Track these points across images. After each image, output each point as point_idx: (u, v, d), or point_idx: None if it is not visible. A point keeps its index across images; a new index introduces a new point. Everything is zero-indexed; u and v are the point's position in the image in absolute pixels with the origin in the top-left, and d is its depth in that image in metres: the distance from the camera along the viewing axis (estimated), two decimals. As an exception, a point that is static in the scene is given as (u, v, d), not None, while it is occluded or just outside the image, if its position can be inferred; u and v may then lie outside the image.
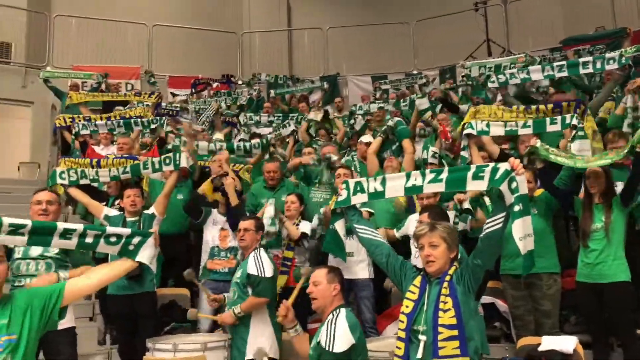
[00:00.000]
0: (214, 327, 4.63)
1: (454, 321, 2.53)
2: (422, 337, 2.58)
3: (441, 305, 2.58)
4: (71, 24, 11.73)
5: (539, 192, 4.37)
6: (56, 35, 11.47)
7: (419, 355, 2.56)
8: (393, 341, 3.61)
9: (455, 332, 2.51)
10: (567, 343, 3.51)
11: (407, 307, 2.70)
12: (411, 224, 4.61)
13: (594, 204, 3.85)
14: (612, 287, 3.69)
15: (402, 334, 2.67)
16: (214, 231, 4.90)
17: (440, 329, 2.53)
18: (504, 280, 4.16)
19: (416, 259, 4.41)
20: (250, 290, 3.80)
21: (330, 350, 2.82)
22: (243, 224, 4.01)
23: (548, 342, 3.56)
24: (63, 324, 3.47)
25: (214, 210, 4.98)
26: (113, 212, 4.68)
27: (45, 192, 3.85)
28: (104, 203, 4.94)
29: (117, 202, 5.10)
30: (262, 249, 3.97)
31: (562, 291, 4.04)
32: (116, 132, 6.48)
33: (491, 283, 4.15)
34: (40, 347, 3.41)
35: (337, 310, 2.97)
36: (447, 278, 2.64)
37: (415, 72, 11.63)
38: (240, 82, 11.66)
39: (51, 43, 11.41)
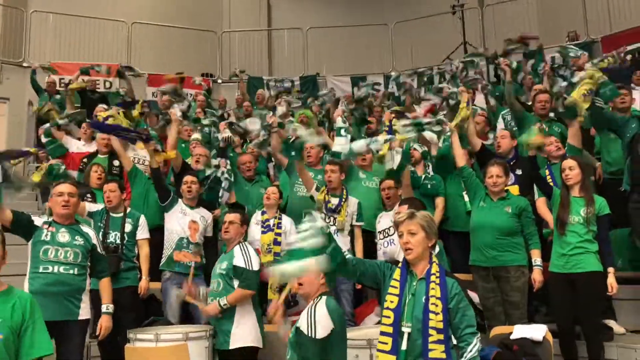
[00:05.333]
0: (185, 320, 4.60)
1: (441, 325, 2.57)
2: (406, 330, 2.61)
3: (432, 307, 2.60)
4: (48, 20, 11.61)
5: (513, 191, 4.53)
6: (33, 32, 11.36)
7: (404, 347, 2.60)
8: (370, 330, 3.74)
9: (441, 337, 2.56)
10: (537, 331, 3.66)
11: (391, 302, 2.69)
12: (382, 220, 4.75)
13: (572, 196, 3.99)
14: (586, 277, 3.83)
15: (389, 329, 2.65)
16: (183, 222, 4.76)
17: (430, 331, 2.56)
18: (474, 272, 4.28)
19: (384, 255, 4.56)
20: (236, 283, 3.84)
21: (313, 336, 2.86)
22: (228, 217, 4.06)
23: (519, 331, 3.71)
24: (82, 315, 3.61)
25: (180, 200, 4.90)
26: (95, 207, 4.71)
27: (67, 184, 3.81)
28: (89, 196, 4.96)
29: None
30: (246, 242, 4.02)
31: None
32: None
33: (463, 276, 4.28)
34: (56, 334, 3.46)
35: (319, 298, 3.02)
36: (434, 279, 2.66)
37: (393, 73, 11.79)
38: (219, 80, 11.67)
39: (27, 39, 11.29)
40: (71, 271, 3.60)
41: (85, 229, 3.82)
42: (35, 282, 3.56)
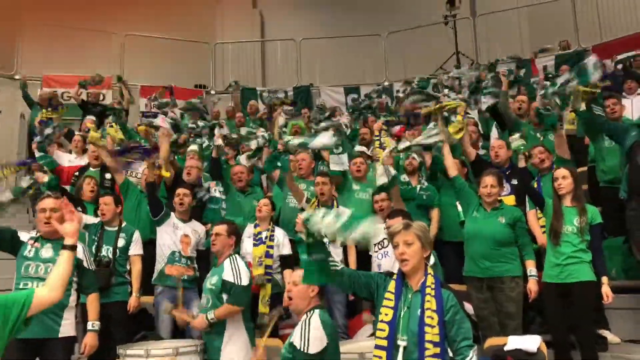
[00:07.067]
0: (176, 335, 4.56)
1: (437, 339, 2.54)
2: (402, 343, 2.57)
3: (427, 321, 2.56)
4: (42, 31, 11.59)
5: (509, 201, 4.52)
6: (25, 43, 11.33)
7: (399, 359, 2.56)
8: (363, 344, 3.70)
9: (438, 350, 2.53)
10: (531, 342, 3.65)
11: (386, 314, 2.65)
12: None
13: (564, 206, 3.99)
14: (580, 286, 3.82)
15: (384, 342, 2.60)
16: (175, 236, 4.74)
17: (427, 344, 2.53)
18: (468, 282, 4.26)
19: (379, 267, 4.53)
20: (225, 297, 3.77)
21: (305, 351, 2.82)
22: (215, 229, 4.00)
23: (513, 342, 3.70)
24: (64, 333, 3.50)
25: (173, 214, 4.88)
26: (92, 219, 4.67)
27: (50, 199, 3.67)
28: (79, 209, 4.90)
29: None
30: (237, 255, 3.94)
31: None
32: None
33: (457, 286, 4.26)
34: (37, 352, 3.42)
35: (312, 311, 2.97)
36: (429, 291, 2.63)
37: (386, 83, 11.83)
38: (213, 92, 11.67)
39: (19, 51, 11.26)
40: None
41: None
42: None
